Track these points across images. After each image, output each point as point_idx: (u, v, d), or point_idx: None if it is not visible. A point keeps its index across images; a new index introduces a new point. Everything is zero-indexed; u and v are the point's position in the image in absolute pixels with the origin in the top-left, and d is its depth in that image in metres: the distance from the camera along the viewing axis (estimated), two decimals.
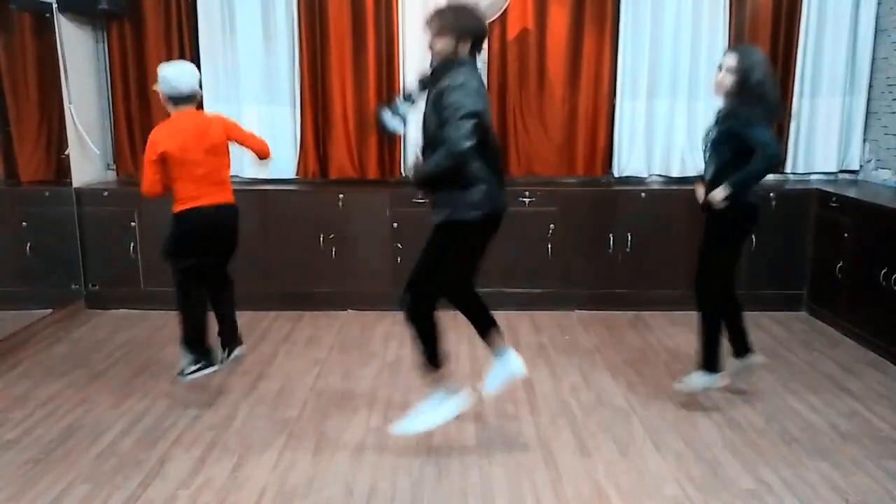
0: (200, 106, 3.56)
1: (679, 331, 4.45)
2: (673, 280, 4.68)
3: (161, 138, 3.23)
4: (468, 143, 2.64)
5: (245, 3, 4.99)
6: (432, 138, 2.78)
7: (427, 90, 2.89)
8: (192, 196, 3.31)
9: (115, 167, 5.30)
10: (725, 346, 3.44)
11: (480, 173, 2.77)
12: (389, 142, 5.09)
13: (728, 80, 3.15)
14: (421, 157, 2.86)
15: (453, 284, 3.00)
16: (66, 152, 4.83)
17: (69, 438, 3.12)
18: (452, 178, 2.75)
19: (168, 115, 3.34)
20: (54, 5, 4.65)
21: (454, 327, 3.59)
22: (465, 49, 2.79)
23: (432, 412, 2.96)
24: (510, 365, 3.08)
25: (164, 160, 3.24)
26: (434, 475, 2.82)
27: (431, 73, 2.86)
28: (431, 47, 2.82)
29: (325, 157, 5.15)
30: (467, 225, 2.81)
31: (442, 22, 2.78)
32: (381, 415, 3.36)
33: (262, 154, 3.61)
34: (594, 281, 4.88)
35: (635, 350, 4.17)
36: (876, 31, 4.98)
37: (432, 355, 2.94)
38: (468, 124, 2.65)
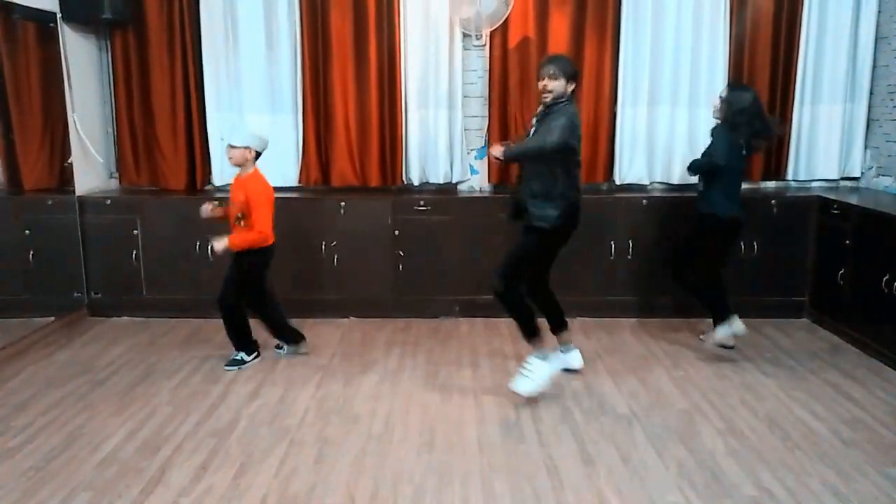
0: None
1: (680, 337, 4.45)
2: (674, 287, 4.67)
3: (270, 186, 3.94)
4: (554, 145, 3.37)
5: (247, 12, 5.02)
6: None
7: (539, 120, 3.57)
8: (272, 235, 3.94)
9: (117, 176, 5.32)
10: None
11: (564, 192, 3.49)
12: (392, 154, 5.12)
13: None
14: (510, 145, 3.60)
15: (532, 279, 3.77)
16: (70, 161, 4.85)
17: (71, 446, 3.12)
18: (544, 193, 3.49)
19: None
20: (58, 15, 4.68)
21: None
22: (570, 89, 3.51)
23: (534, 375, 3.53)
24: (569, 359, 3.90)
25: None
26: (436, 482, 2.82)
27: (546, 108, 3.53)
28: (546, 88, 3.47)
29: (327, 164, 5.17)
30: (546, 231, 3.54)
31: (557, 68, 3.46)
32: (383, 422, 3.35)
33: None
34: (596, 288, 4.88)
35: (637, 357, 4.17)
36: (876, 39, 4.99)
37: (528, 328, 3.61)
38: (560, 141, 3.38)
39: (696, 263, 4.16)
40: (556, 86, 3.46)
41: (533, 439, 3.17)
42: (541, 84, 3.49)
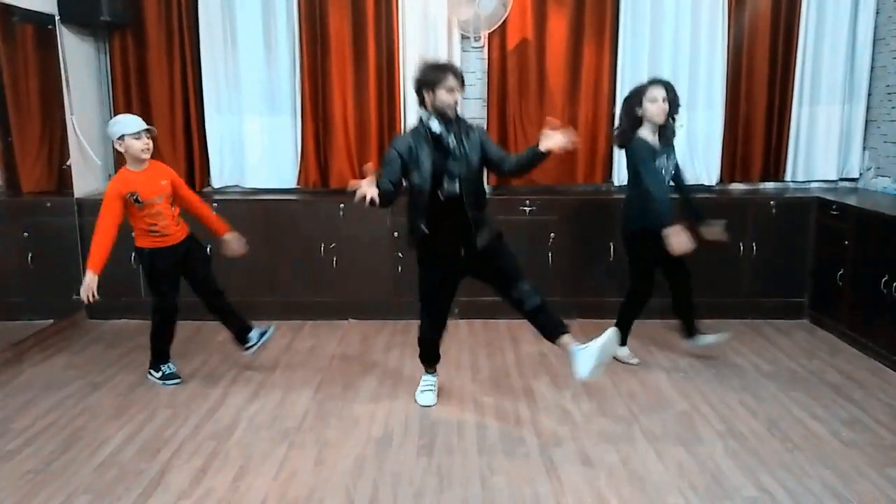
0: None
1: (679, 339, 4.44)
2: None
3: None
4: None
5: (246, 14, 5.03)
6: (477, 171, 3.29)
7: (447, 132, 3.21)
8: None
9: None
10: None
11: None
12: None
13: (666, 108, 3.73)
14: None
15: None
16: (68, 163, 4.84)
17: (70, 449, 3.12)
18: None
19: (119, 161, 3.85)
20: (57, 17, 4.68)
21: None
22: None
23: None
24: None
25: None
26: (436, 485, 2.82)
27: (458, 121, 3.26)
28: (457, 100, 3.19)
29: (326, 166, 5.17)
30: None
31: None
32: (383, 424, 3.35)
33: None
34: (595, 289, 4.87)
35: (636, 358, 4.16)
36: (874, 40, 5.00)
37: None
38: None
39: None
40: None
41: (532, 441, 3.17)
42: (456, 97, 3.18)
